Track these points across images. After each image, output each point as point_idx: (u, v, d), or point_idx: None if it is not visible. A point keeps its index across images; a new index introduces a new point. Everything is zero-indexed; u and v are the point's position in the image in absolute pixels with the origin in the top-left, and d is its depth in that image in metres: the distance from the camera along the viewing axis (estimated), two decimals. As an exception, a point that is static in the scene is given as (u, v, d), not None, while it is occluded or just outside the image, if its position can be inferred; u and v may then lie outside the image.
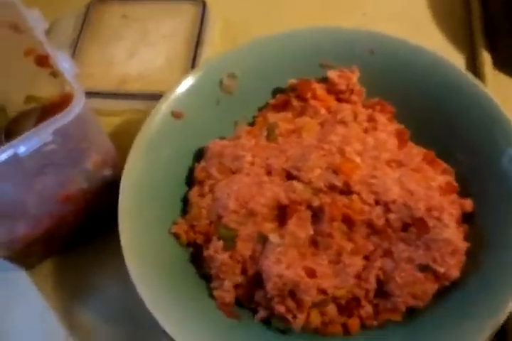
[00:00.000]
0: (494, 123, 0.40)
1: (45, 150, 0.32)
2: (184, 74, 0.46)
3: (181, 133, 0.42)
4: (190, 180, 0.42)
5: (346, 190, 0.38)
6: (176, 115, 0.42)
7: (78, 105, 0.30)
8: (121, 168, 0.39)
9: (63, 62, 0.33)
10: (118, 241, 0.37)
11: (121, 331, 0.42)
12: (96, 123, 0.37)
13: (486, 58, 0.51)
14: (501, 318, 0.34)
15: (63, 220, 0.41)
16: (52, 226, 0.40)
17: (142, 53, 0.53)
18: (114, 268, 0.43)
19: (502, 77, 0.52)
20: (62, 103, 0.36)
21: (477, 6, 0.54)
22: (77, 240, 0.45)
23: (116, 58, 0.53)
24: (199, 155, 0.42)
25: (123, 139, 0.41)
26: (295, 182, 0.38)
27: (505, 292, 0.35)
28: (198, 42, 0.52)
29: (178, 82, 0.42)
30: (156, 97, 0.43)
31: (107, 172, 0.40)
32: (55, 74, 0.37)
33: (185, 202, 0.41)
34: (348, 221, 0.37)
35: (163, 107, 0.41)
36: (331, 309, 0.37)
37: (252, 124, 0.44)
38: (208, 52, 0.53)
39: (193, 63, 0.51)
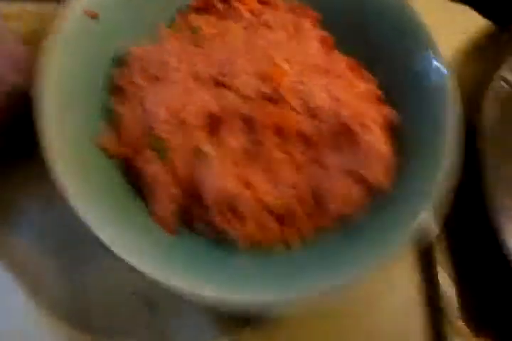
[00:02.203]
0: (408, 27, 0.40)
1: None
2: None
3: (97, 35, 0.37)
4: (112, 89, 0.38)
5: (276, 98, 0.37)
6: (90, 15, 0.37)
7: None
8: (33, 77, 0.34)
9: None
10: (38, 163, 0.33)
11: (58, 261, 0.39)
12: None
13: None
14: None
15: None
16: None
17: None
18: (38, 194, 0.40)
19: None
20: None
21: None
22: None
23: None
24: (119, 61, 0.39)
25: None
26: (224, 90, 0.36)
27: (426, 197, 0.36)
28: None
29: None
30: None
31: (18, 79, 0.35)
32: None
33: (109, 112, 0.38)
34: (280, 131, 0.37)
35: (77, 6, 0.36)
36: (270, 220, 0.37)
37: (172, 28, 0.41)
38: None
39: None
